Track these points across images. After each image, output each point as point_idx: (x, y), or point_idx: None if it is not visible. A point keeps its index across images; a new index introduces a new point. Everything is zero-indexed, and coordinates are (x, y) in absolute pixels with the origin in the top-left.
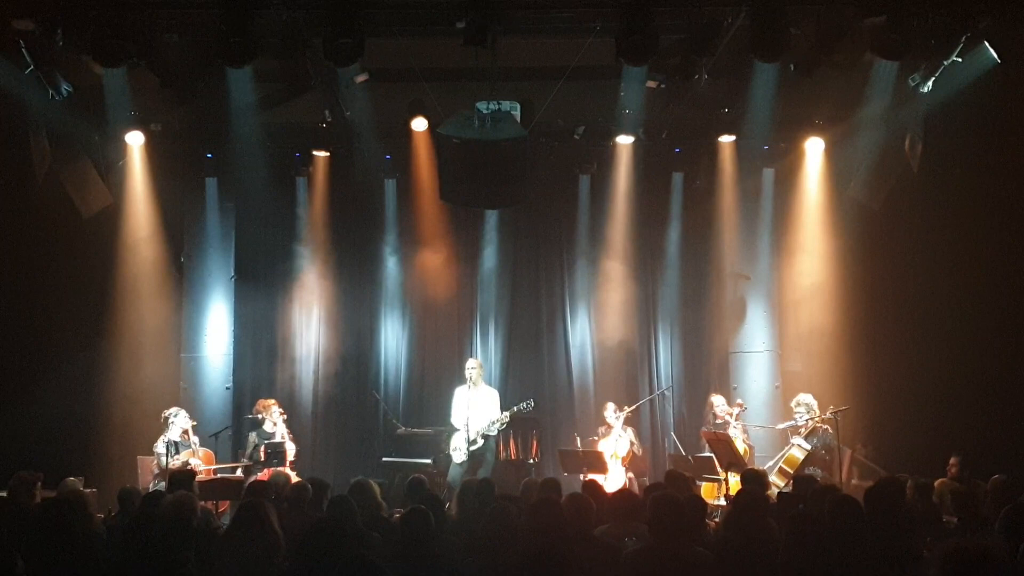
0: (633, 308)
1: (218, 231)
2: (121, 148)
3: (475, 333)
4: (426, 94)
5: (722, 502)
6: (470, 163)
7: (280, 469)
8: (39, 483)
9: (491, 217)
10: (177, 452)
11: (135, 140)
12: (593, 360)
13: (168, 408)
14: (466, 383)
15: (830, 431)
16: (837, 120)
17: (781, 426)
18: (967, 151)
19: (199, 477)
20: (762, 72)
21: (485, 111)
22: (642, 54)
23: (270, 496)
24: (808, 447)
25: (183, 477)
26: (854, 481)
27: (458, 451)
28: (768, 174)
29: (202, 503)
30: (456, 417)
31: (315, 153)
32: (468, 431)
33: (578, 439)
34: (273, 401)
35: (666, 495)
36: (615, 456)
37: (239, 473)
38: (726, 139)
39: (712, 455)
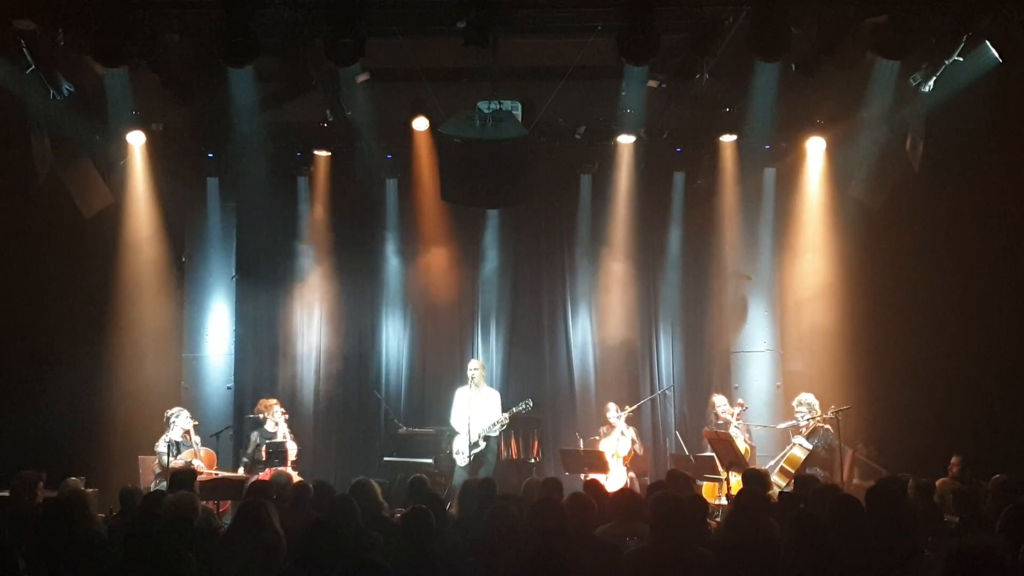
0: (634, 308)
1: (219, 231)
2: (122, 148)
3: (476, 333)
4: (427, 94)
5: (723, 502)
6: (471, 163)
7: (281, 469)
8: (41, 483)
9: (492, 217)
10: (178, 452)
11: (136, 140)
12: (594, 360)
13: (170, 408)
14: (467, 384)
15: (831, 431)
16: (838, 120)
17: (782, 426)
18: (968, 151)
19: (200, 478)
20: (763, 72)
21: (486, 111)
22: (643, 54)
23: (271, 496)
24: (809, 447)
25: (184, 477)
26: (855, 481)
27: (461, 455)
28: (769, 174)
29: (203, 503)
30: (456, 418)
31: (316, 153)
32: (470, 433)
33: (580, 439)
34: (275, 401)
35: (667, 495)
36: (616, 456)
37: (242, 470)
38: (727, 139)
39: (713, 455)
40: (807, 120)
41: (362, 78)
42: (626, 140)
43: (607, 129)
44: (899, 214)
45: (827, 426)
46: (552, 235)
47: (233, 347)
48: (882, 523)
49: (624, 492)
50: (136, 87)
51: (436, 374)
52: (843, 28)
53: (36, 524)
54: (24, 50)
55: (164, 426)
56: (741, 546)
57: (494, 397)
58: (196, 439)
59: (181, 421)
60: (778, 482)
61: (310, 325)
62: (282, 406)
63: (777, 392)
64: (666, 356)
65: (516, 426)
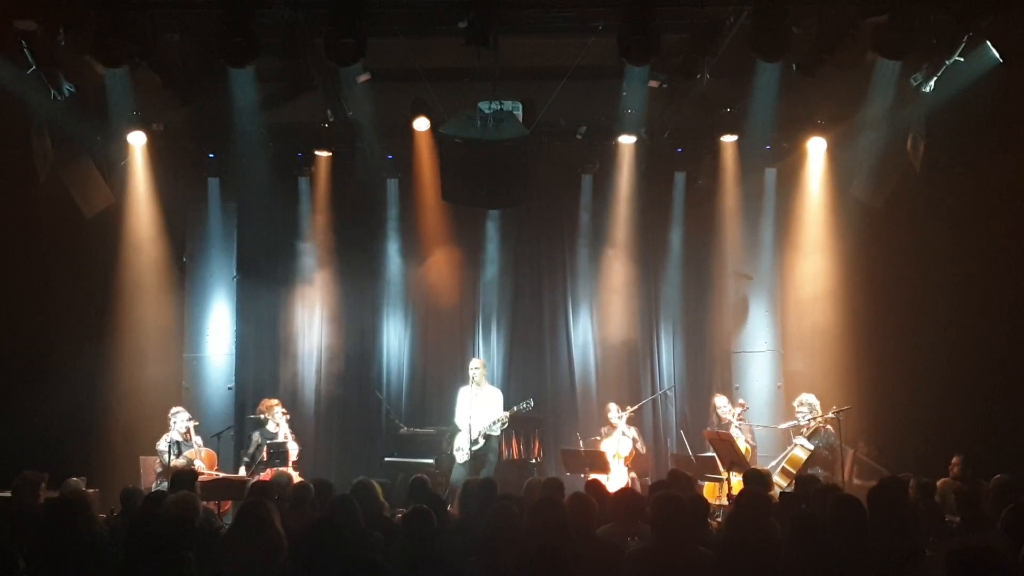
0: (635, 308)
1: (220, 231)
2: (123, 148)
3: (477, 333)
4: (428, 94)
5: (724, 502)
6: (472, 163)
7: (282, 469)
8: (43, 483)
9: (493, 217)
10: (179, 452)
11: (137, 140)
12: (595, 360)
13: (171, 408)
14: (469, 383)
15: (832, 431)
16: (839, 119)
17: (783, 426)
18: (969, 151)
19: (201, 478)
20: (764, 72)
21: (487, 111)
22: (644, 54)
23: (272, 496)
24: (811, 447)
25: (185, 477)
26: (856, 481)
27: (461, 451)
28: (770, 174)
29: (204, 503)
30: (460, 417)
31: (317, 153)
32: (471, 431)
33: (580, 439)
34: (276, 401)
35: (668, 495)
36: (617, 456)
37: (243, 470)
38: (728, 139)
39: (715, 455)
40: (808, 120)
41: (363, 78)
42: (627, 140)
43: (608, 129)
44: (900, 214)
45: (828, 426)
46: (553, 235)
47: (234, 347)
48: (883, 523)
49: (625, 492)
50: (137, 87)
51: (437, 374)
52: (844, 28)
53: (37, 524)
54: (25, 50)
55: (165, 426)
56: (742, 546)
57: (496, 396)
58: (197, 439)
59: (180, 421)
60: (779, 482)
61: (311, 325)
62: (283, 406)
63: (778, 392)
64: (667, 356)
65: (517, 426)
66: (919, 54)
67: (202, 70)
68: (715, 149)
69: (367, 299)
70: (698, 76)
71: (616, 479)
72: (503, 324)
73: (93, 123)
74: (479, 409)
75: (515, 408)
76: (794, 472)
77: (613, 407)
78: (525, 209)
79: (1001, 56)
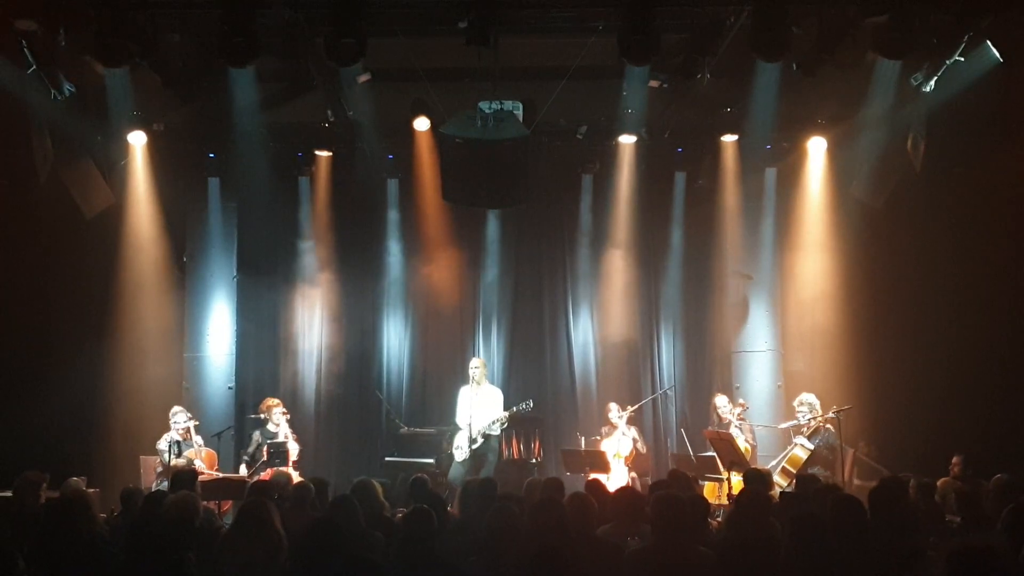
0: (636, 307)
1: (220, 231)
2: (123, 148)
3: (478, 332)
4: (428, 94)
5: (725, 502)
6: (472, 163)
7: (282, 469)
8: (45, 484)
9: (493, 217)
10: (180, 452)
11: (137, 140)
12: (596, 359)
13: (172, 407)
14: (470, 383)
15: (832, 430)
16: (839, 119)
17: (784, 425)
18: (969, 150)
19: (201, 478)
20: (764, 71)
21: (487, 111)
22: (644, 54)
23: (272, 496)
24: (811, 447)
25: (185, 477)
26: (856, 481)
27: (460, 450)
28: (770, 173)
29: (204, 503)
30: (460, 416)
31: (317, 153)
32: (471, 430)
33: (581, 438)
34: (277, 401)
35: (668, 495)
36: (618, 456)
37: (244, 468)
38: (728, 138)
39: (715, 455)
40: (808, 120)
41: (363, 78)
42: (627, 140)
43: (608, 129)
44: (900, 214)
45: (828, 425)
46: (553, 235)
47: (234, 347)
48: (884, 523)
49: (626, 492)
50: (137, 87)
51: (437, 374)
52: (844, 28)
53: (38, 525)
54: (25, 50)
55: (166, 426)
56: (742, 546)
57: (496, 395)
58: (197, 439)
59: (180, 420)
60: (780, 482)
61: (311, 325)
62: (283, 406)
63: (778, 392)
64: (667, 356)
65: (517, 426)
66: (919, 54)
67: (202, 70)
68: (715, 149)
69: (367, 299)
70: (698, 76)
71: (616, 479)
72: (503, 324)
73: (93, 123)
74: (479, 408)
75: (514, 409)
76: (794, 472)
77: (614, 407)
78: (525, 209)
79: (1001, 56)
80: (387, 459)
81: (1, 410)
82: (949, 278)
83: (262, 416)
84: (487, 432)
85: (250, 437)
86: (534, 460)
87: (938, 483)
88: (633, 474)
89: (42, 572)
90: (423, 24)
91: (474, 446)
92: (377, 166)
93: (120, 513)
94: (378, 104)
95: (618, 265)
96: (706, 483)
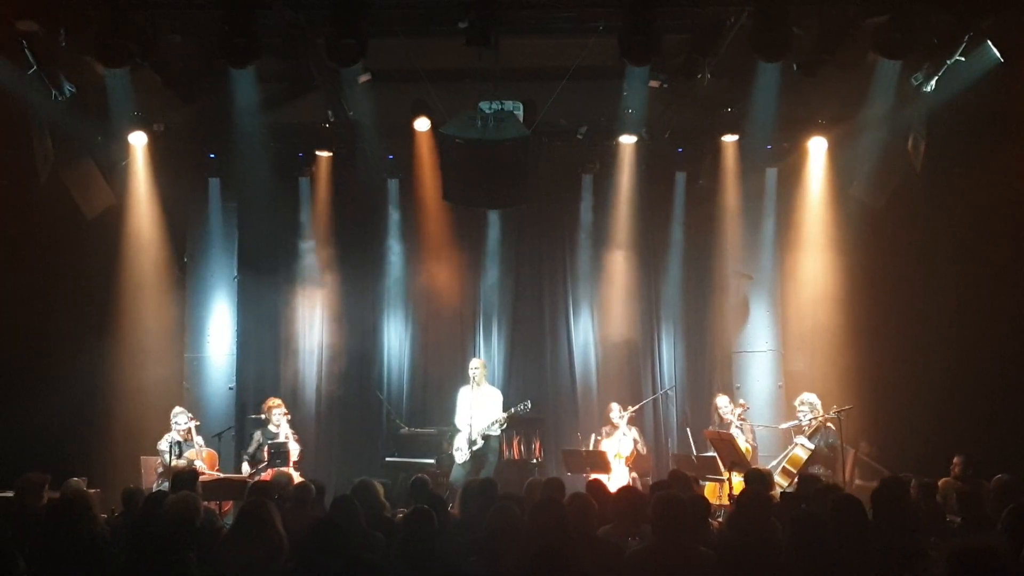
0: (636, 308)
1: (221, 231)
2: (124, 148)
3: (478, 333)
4: (429, 94)
5: (725, 502)
6: (473, 163)
7: (283, 469)
8: (47, 485)
9: (494, 217)
10: (180, 452)
11: (138, 140)
12: (596, 360)
13: (172, 408)
14: (469, 383)
15: (833, 429)
16: (840, 119)
17: (784, 425)
18: (970, 150)
19: (202, 478)
20: (765, 72)
21: (488, 111)
22: (645, 54)
23: (273, 496)
24: (811, 447)
25: (186, 477)
26: (857, 481)
27: (460, 451)
28: (771, 173)
29: (205, 503)
30: (460, 418)
31: (318, 153)
32: (471, 431)
33: (581, 438)
34: (278, 402)
35: (669, 495)
36: (619, 456)
37: (246, 467)
38: (729, 139)
39: (715, 455)
40: (809, 120)
41: (364, 78)
42: (628, 140)
43: (609, 129)
44: (901, 214)
45: (830, 424)
46: (554, 235)
47: (235, 347)
48: (886, 523)
49: (627, 492)
50: (138, 87)
51: (438, 374)
52: (844, 28)
53: (39, 524)
54: (26, 51)
55: (166, 426)
56: (743, 546)
57: (495, 396)
58: (198, 439)
59: (181, 421)
60: (780, 482)
61: (312, 325)
62: (285, 406)
63: (779, 392)
64: (668, 356)
65: (518, 426)
66: (920, 54)
67: (203, 70)
68: (716, 149)
69: (368, 299)
70: (699, 76)
71: (617, 479)
72: (504, 324)
73: (94, 123)
74: (478, 410)
75: (512, 410)
76: (795, 472)
77: (615, 406)
78: (526, 209)
79: (1002, 56)
80: (387, 459)
81: (2, 410)
82: (950, 278)
83: (263, 416)
84: (487, 433)
85: (251, 437)
86: (535, 460)
87: (939, 483)
88: (634, 474)
89: (43, 573)
90: (424, 24)
91: (474, 448)
92: (378, 166)
93: (121, 513)
94: (379, 104)
95: (619, 265)
96: (707, 483)
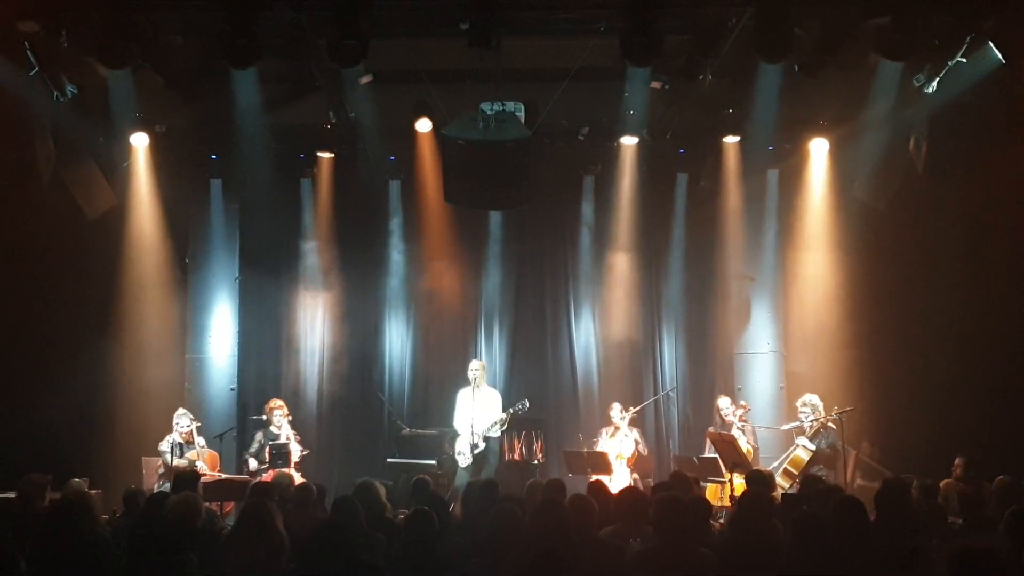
0: (637, 309)
1: (223, 232)
2: (126, 149)
3: (479, 334)
4: (430, 95)
5: (727, 503)
6: (474, 164)
7: (284, 470)
8: (48, 486)
9: (495, 218)
10: (182, 453)
11: (140, 141)
12: (598, 361)
13: (174, 409)
14: (469, 385)
15: (835, 429)
16: (842, 121)
17: (786, 427)
18: (971, 151)
19: (203, 479)
20: (766, 73)
21: (489, 112)
22: (646, 55)
23: (273, 497)
24: (813, 448)
25: (188, 478)
26: (859, 482)
27: (463, 455)
28: (773, 175)
29: (206, 504)
30: (459, 420)
31: (319, 154)
32: (473, 434)
33: (583, 440)
34: (280, 403)
35: (670, 496)
36: (620, 457)
37: (253, 463)
38: (730, 140)
39: (717, 456)
40: (810, 121)
41: (365, 79)
42: (629, 141)
43: (610, 130)
44: (903, 215)
45: (831, 425)
46: (555, 236)
47: (236, 348)
48: (889, 524)
49: (628, 493)
50: (139, 89)
51: (439, 375)
52: (846, 29)
53: (40, 525)
54: (28, 52)
55: (168, 427)
56: (744, 548)
57: (494, 397)
58: (200, 440)
59: (183, 422)
60: (782, 483)
61: (313, 326)
62: (286, 407)
63: (780, 393)
64: (669, 357)
65: (519, 427)
66: (921, 55)
67: (205, 71)
68: (717, 150)
69: (369, 300)
70: (700, 77)
71: (618, 480)
72: (505, 325)
73: (96, 124)
74: (479, 412)
75: (511, 410)
76: (796, 473)
77: (616, 407)
78: (527, 210)
79: (1003, 57)
80: (389, 460)
81: (4, 411)
82: (952, 279)
83: (264, 418)
84: (487, 435)
85: (252, 438)
86: (536, 461)
87: (941, 484)
88: (635, 475)
89: (44, 573)
90: (425, 26)
91: (476, 451)
92: (379, 167)
93: (122, 514)
94: (380, 105)
95: (620, 266)
96: (708, 485)
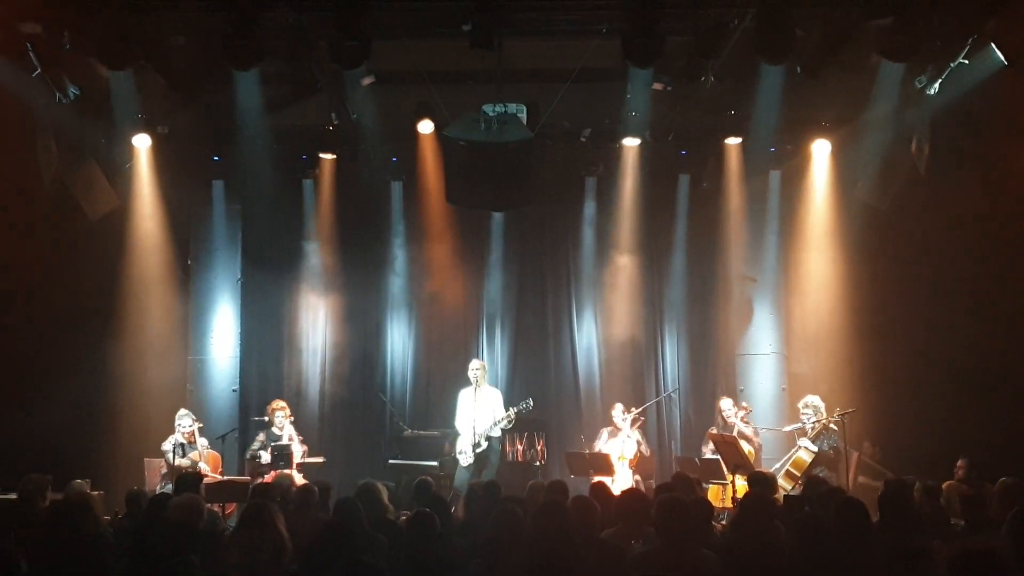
0: (639, 310)
1: (225, 233)
2: (128, 151)
3: (481, 335)
4: (432, 96)
5: (729, 505)
6: (476, 165)
7: (286, 471)
8: (49, 486)
9: (497, 219)
10: (184, 454)
11: (142, 143)
12: (599, 362)
13: (176, 410)
14: (470, 385)
15: (837, 432)
16: (843, 122)
17: (788, 428)
18: (973, 152)
19: (205, 480)
20: (768, 74)
21: (491, 113)
22: (648, 56)
23: (275, 498)
24: (815, 449)
25: (190, 479)
26: (861, 479)
27: (464, 455)
28: (774, 176)
29: (208, 505)
30: (460, 420)
31: (321, 155)
32: (475, 434)
33: (584, 441)
34: (283, 405)
35: (672, 498)
36: (622, 458)
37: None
38: (732, 141)
39: (718, 458)
40: (812, 122)
41: (367, 81)
42: (631, 142)
43: (612, 131)
44: (905, 216)
45: (833, 426)
46: (557, 237)
47: (238, 349)
48: (889, 526)
49: (630, 494)
50: (142, 90)
51: (441, 376)
52: (848, 30)
53: (42, 526)
54: (30, 53)
55: (170, 428)
56: (746, 549)
57: (496, 396)
58: (202, 441)
59: (185, 423)
60: (784, 485)
61: (315, 327)
62: (288, 407)
63: (782, 394)
64: (671, 358)
65: (521, 428)
66: (923, 56)
67: (207, 73)
68: (719, 151)
69: (371, 301)
70: (702, 78)
71: (620, 482)
72: (507, 326)
73: (98, 126)
74: (481, 411)
75: (514, 409)
76: (798, 475)
77: (619, 408)
78: (529, 211)
79: (1006, 58)
80: (391, 462)
81: (6, 413)
82: (954, 280)
83: (266, 419)
84: (488, 435)
85: (254, 437)
86: (538, 463)
87: (943, 486)
88: (637, 477)
89: (46, 574)
90: (427, 27)
91: (478, 450)
92: (381, 168)
93: (124, 516)
94: (382, 107)
95: (622, 268)
96: (710, 486)
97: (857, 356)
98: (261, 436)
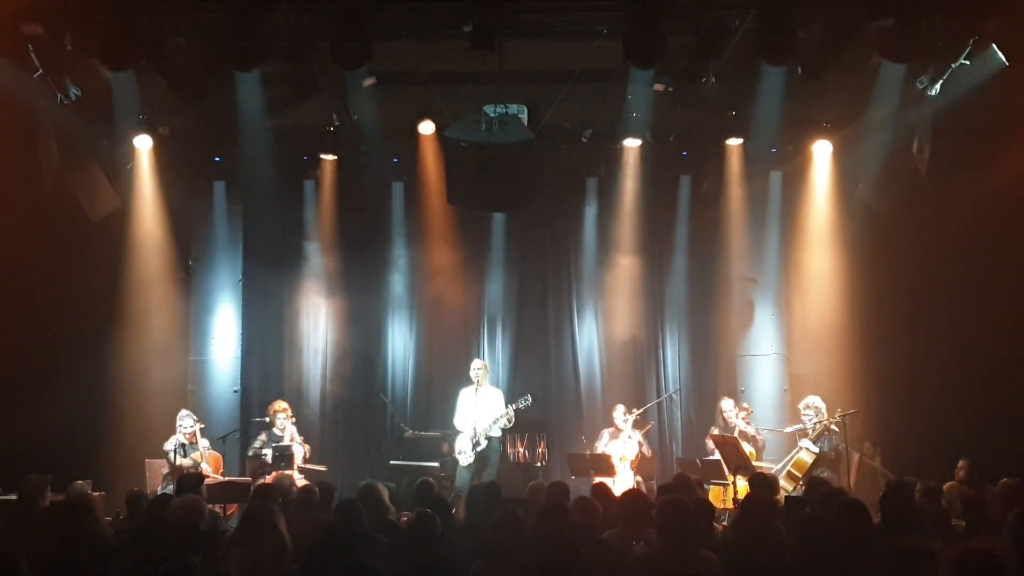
0: (640, 310)
1: (226, 234)
2: (129, 152)
3: (482, 336)
4: (433, 97)
5: (730, 506)
6: (477, 166)
7: (286, 472)
8: (48, 486)
9: (498, 220)
10: (185, 454)
11: (143, 144)
12: (600, 363)
13: (178, 411)
14: (471, 385)
15: (838, 433)
16: (845, 123)
17: (789, 429)
18: (975, 153)
19: (206, 481)
20: (769, 75)
21: (492, 114)
22: (649, 57)
23: (276, 499)
24: (816, 450)
25: (191, 480)
26: (867, 468)
27: (464, 454)
28: (775, 177)
29: (210, 506)
30: (459, 419)
31: (323, 156)
32: (476, 434)
33: (585, 442)
34: (284, 406)
35: (672, 499)
36: (623, 459)
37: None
38: (733, 142)
39: (720, 458)
40: (813, 123)
41: (368, 82)
42: (632, 143)
43: (613, 132)
44: (906, 217)
45: (834, 427)
46: (558, 238)
47: (240, 350)
48: (890, 527)
49: (632, 495)
50: (143, 91)
51: (442, 377)
52: (849, 31)
53: (43, 527)
54: (31, 54)
55: (171, 429)
56: (747, 550)
57: (497, 396)
58: (204, 442)
59: (186, 424)
60: (785, 486)
61: (316, 328)
62: (290, 408)
63: (783, 395)
64: (672, 359)
65: (522, 429)
66: (925, 57)
67: (208, 74)
68: (720, 152)
69: (372, 302)
70: (703, 79)
71: (621, 483)
72: (508, 327)
73: (99, 127)
74: (482, 411)
75: (513, 406)
76: (799, 476)
77: (620, 409)
78: (530, 212)
79: (1007, 59)
80: (392, 463)
81: (7, 413)
82: (955, 281)
83: (267, 420)
84: (488, 434)
85: (255, 437)
86: (539, 464)
87: (944, 487)
88: (638, 478)
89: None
90: (428, 28)
91: (478, 449)
92: (382, 169)
93: (126, 516)
94: (383, 108)
95: (623, 268)
96: (711, 487)
97: (858, 357)
98: (262, 437)
